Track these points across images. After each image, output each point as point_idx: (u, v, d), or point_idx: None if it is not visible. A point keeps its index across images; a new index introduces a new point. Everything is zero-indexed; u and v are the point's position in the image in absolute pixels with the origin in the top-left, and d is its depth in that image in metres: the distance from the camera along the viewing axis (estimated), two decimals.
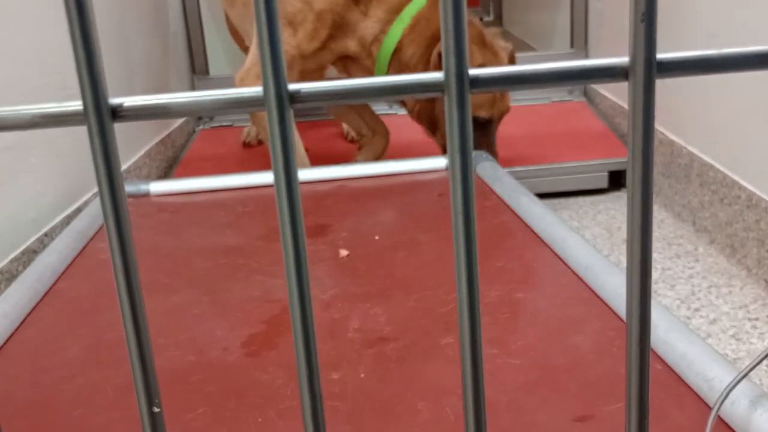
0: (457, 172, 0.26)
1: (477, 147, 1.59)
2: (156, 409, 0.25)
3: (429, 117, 1.58)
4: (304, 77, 1.58)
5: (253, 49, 1.57)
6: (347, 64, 1.59)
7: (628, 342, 0.27)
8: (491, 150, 1.61)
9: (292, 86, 0.25)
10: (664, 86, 1.61)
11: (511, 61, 1.64)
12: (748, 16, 1.29)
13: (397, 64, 1.52)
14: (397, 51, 1.49)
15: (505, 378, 0.79)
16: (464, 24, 0.25)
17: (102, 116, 0.24)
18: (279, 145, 0.25)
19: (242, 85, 1.55)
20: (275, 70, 0.24)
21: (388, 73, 1.53)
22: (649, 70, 0.25)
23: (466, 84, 0.25)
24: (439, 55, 1.47)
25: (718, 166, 1.43)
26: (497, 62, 1.53)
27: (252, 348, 0.89)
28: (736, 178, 1.36)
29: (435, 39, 1.51)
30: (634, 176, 0.27)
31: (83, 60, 0.24)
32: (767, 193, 1.27)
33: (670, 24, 1.58)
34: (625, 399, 0.30)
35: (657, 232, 1.54)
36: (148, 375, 0.26)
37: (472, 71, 0.25)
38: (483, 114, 1.57)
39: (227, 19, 2.11)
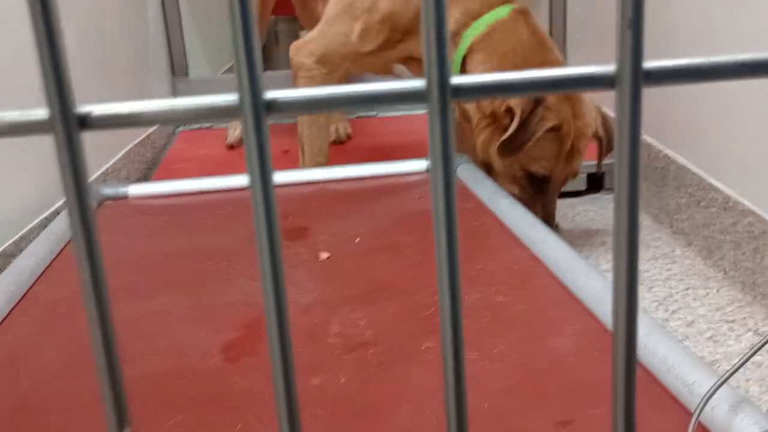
0: (439, 185, 0.25)
1: (531, 208, 1.34)
2: (127, 431, 0.24)
3: (484, 155, 1.42)
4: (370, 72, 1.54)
5: (319, 26, 1.51)
6: (421, 67, 1.53)
7: (614, 357, 0.27)
8: (548, 217, 1.41)
9: (270, 94, 0.24)
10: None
11: (605, 133, 1.43)
12: (727, 22, 1.30)
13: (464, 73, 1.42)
14: (465, 59, 1.40)
15: (486, 382, 0.79)
16: (446, 28, 0.24)
17: (69, 125, 0.23)
18: (255, 156, 0.24)
19: (295, 55, 1.50)
20: (251, 78, 0.24)
21: None
22: (636, 78, 0.25)
23: (447, 92, 0.25)
24: (509, 109, 1.32)
25: (694, 169, 1.43)
26: (576, 123, 1.35)
27: (232, 353, 0.88)
28: (712, 181, 1.37)
29: (507, 59, 1.35)
30: (620, 185, 0.26)
31: (48, 66, 0.23)
32: (743, 195, 1.27)
33: (649, 30, 1.59)
34: (612, 413, 0.29)
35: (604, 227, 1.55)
36: (118, 395, 0.26)
37: (455, 79, 0.25)
38: (538, 169, 1.37)
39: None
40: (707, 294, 1.28)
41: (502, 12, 1.40)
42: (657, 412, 0.72)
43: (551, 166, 1.37)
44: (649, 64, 0.25)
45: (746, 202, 1.26)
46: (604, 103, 1.91)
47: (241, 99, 0.24)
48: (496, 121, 1.37)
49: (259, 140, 0.24)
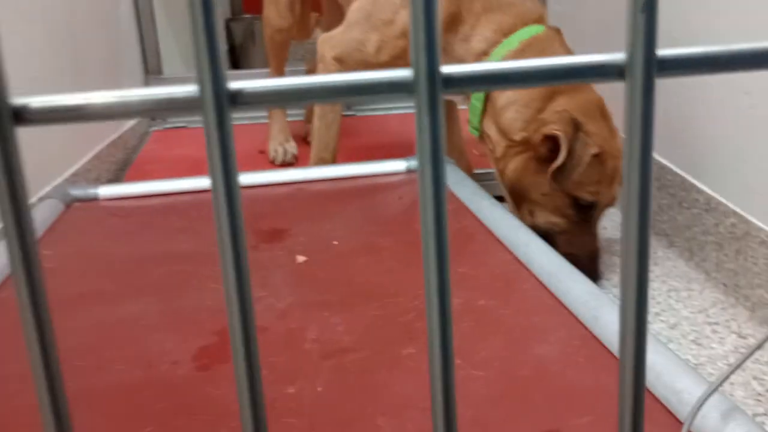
0: (428, 185, 0.22)
1: (578, 241, 1.31)
2: None
3: (515, 184, 1.33)
4: None
5: (342, 26, 1.44)
6: None
7: (620, 380, 0.24)
8: (595, 250, 1.33)
9: (234, 85, 0.21)
10: (621, 88, 1.59)
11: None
12: (704, 17, 1.28)
13: (491, 102, 1.34)
14: None
15: (469, 390, 0.76)
16: (436, 13, 0.21)
17: (2, 120, 0.20)
18: (217, 154, 0.21)
19: (320, 45, 1.45)
20: (213, 67, 0.21)
21: (483, 109, 1.36)
22: (649, 67, 0.22)
23: (437, 83, 0.22)
24: (549, 137, 1.25)
25: (676, 169, 1.42)
26: (614, 143, 1.29)
27: (203, 361, 0.84)
28: (694, 181, 1.35)
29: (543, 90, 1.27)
30: (630, 185, 0.23)
31: None
32: (726, 196, 1.26)
33: (606, 17, 1.57)
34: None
35: (616, 236, 1.53)
36: (60, 419, 0.22)
37: (446, 68, 0.22)
38: (586, 196, 1.28)
39: (268, 18, 1.85)
40: (690, 296, 1.27)
41: (536, 29, 1.32)
42: (646, 419, 0.69)
43: (598, 191, 1.29)
44: (663, 51, 0.22)
45: (728, 203, 1.24)
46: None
47: (202, 90, 0.21)
48: (529, 149, 1.30)
49: (221, 136, 0.21)
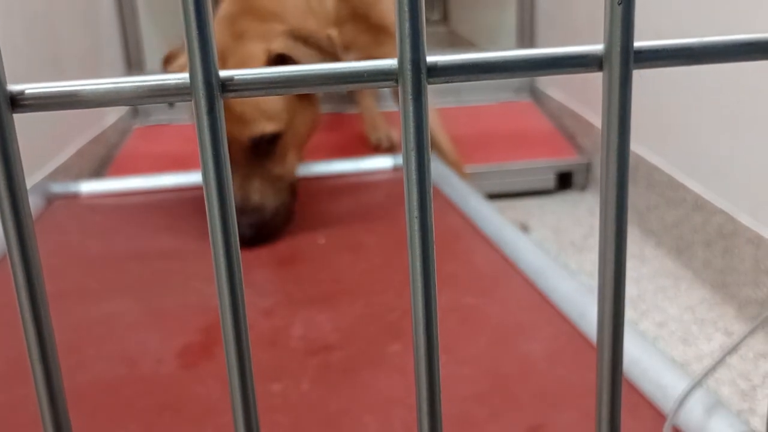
0: (412, 174, 0.23)
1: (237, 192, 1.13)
2: None
3: None
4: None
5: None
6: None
7: (599, 368, 0.25)
8: (243, 198, 1.13)
9: (224, 73, 0.22)
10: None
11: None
12: (671, 13, 1.30)
13: None
14: None
15: (455, 388, 0.77)
16: (421, 3, 0.22)
17: None
18: (208, 142, 0.22)
19: None
20: (203, 54, 0.21)
21: None
22: (626, 59, 0.23)
23: (422, 72, 0.22)
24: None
25: (664, 168, 1.43)
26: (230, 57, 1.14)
27: (188, 359, 0.85)
28: (682, 180, 1.37)
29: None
30: (608, 175, 0.24)
31: None
32: (714, 195, 1.27)
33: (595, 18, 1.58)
34: (596, 423, 0.28)
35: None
36: (58, 414, 0.23)
37: (431, 58, 0.22)
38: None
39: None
40: (677, 294, 1.28)
41: None
42: (631, 415, 0.70)
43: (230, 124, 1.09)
44: (640, 43, 0.23)
45: (716, 203, 1.26)
46: (568, 97, 1.91)
47: (192, 77, 0.21)
48: None
49: (212, 123, 0.21)
